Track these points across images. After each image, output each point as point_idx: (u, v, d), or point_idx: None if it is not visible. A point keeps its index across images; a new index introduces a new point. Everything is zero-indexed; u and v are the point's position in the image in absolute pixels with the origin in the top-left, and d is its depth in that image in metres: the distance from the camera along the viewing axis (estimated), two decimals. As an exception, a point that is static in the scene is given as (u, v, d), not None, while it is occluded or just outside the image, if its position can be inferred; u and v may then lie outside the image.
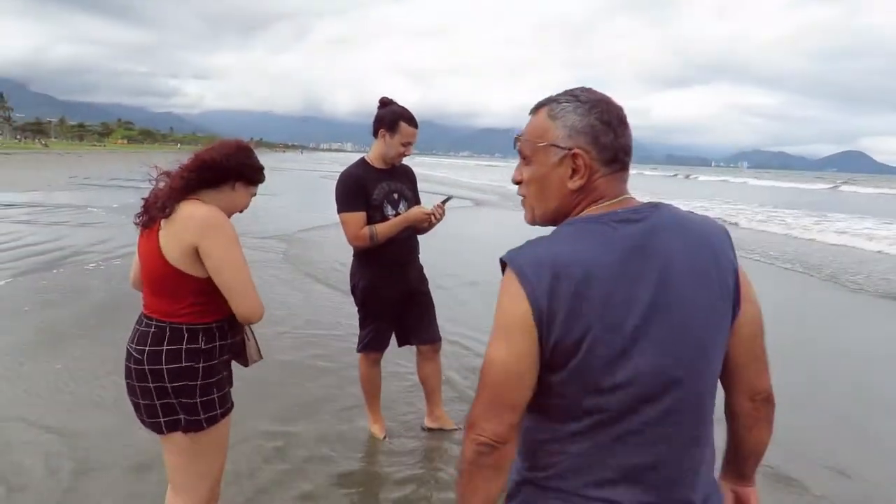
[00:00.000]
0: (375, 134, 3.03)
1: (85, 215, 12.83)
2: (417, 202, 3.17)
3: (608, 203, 1.08)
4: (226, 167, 1.94)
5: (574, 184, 1.07)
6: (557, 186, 1.09)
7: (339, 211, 3.01)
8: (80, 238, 9.75)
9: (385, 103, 3.04)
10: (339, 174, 3.07)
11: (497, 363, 1.02)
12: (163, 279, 1.86)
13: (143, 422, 1.94)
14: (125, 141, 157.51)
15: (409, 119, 2.99)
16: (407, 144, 3.01)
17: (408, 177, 3.20)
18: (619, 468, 1.03)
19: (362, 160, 3.10)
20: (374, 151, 3.07)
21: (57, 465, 3.01)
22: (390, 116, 2.98)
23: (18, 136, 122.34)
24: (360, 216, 2.98)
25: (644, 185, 41.41)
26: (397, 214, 3.05)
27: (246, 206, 2.07)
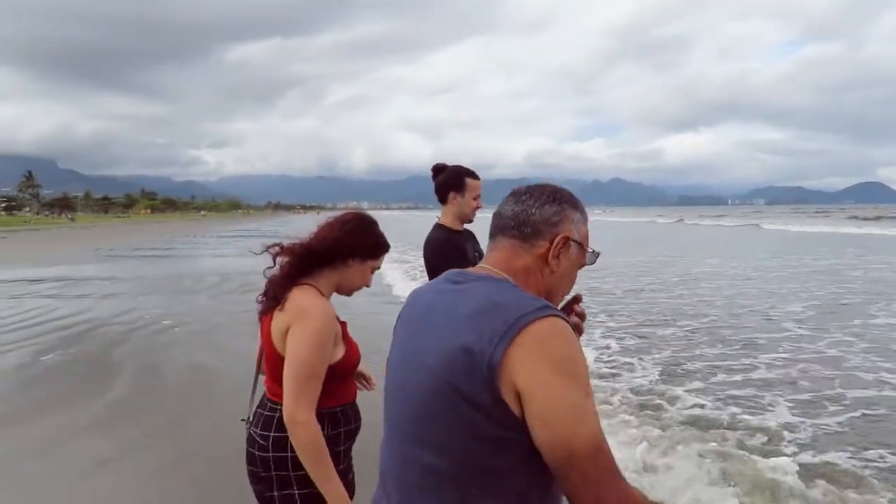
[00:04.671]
0: (444, 200, 3.01)
1: (110, 287, 13.12)
2: None
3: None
4: (333, 250, 1.88)
5: None
6: None
7: None
8: (104, 310, 9.96)
9: (440, 169, 3.05)
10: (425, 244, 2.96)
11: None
12: (275, 365, 1.82)
13: None
14: (149, 211, 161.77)
15: (472, 173, 3.01)
16: (477, 197, 3.02)
17: (475, 238, 3.13)
18: None
19: (440, 226, 3.03)
20: (448, 215, 3.03)
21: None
22: (454, 177, 2.98)
23: (46, 212, 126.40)
24: None
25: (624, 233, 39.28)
26: None
27: (363, 282, 2.00)
